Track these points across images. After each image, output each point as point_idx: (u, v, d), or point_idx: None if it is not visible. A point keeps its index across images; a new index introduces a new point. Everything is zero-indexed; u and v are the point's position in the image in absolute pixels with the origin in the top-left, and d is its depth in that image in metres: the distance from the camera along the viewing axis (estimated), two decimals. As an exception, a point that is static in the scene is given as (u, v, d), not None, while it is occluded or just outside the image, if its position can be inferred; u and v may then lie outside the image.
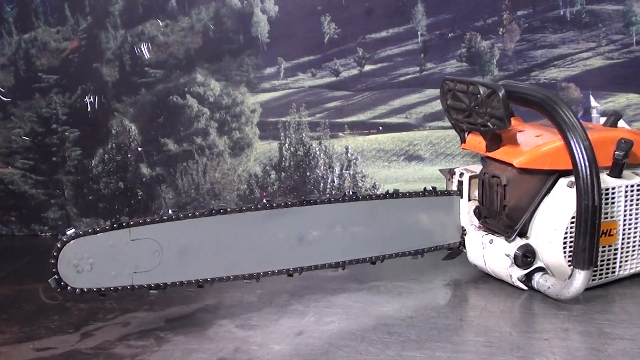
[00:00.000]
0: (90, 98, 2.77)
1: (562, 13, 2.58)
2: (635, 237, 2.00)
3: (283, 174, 2.77)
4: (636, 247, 2.01)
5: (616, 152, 1.93)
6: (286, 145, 2.75)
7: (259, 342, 1.71)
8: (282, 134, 2.75)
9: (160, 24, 2.73)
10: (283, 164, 2.76)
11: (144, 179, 2.81)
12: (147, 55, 2.74)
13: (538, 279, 1.93)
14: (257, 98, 2.74)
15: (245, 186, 2.78)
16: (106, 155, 2.81)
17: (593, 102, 2.58)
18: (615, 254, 1.98)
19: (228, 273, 1.83)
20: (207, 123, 2.76)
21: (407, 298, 1.98)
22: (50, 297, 2.05)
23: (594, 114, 2.58)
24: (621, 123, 2.11)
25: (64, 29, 2.76)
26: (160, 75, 2.75)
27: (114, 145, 2.80)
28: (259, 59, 2.72)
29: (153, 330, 1.80)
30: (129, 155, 2.80)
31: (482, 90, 1.87)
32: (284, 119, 2.74)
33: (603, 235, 1.91)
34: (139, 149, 2.79)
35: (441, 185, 2.14)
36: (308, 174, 2.76)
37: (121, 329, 1.83)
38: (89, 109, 2.78)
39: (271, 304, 1.94)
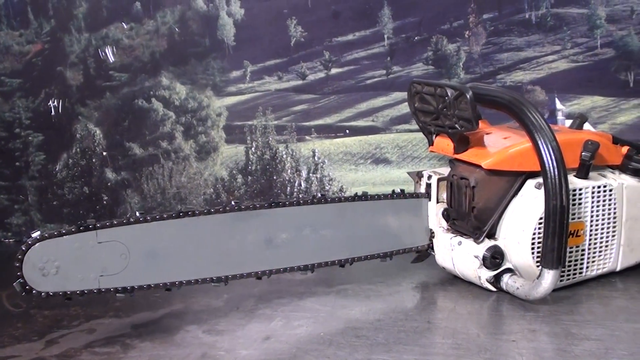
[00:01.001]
0: (54, 102, 2.76)
1: (527, 16, 2.60)
2: (601, 238, 2.02)
3: (250, 177, 2.76)
4: (603, 248, 2.03)
5: (583, 154, 1.94)
6: (253, 149, 2.75)
7: (226, 347, 1.70)
8: (248, 138, 2.75)
9: (125, 27, 2.72)
10: (250, 167, 2.76)
11: (109, 184, 2.80)
12: (111, 58, 2.73)
13: (507, 280, 1.94)
14: (223, 101, 2.74)
15: (212, 190, 2.78)
16: (70, 160, 2.80)
17: (558, 105, 2.60)
18: (582, 255, 2.00)
19: (196, 276, 1.82)
20: (172, 127, 2.75)
21: (375, 301, 1.97)
22: (14, 304, 2.03)
23: (560, 116, 2.60)
24: (587, 125, 2.13)
25: (27, 32, 2.75)
26: (125, 78, 2.74)
27: (78, 149, 2.79)
28: (225, 62, 2.72)
29: (119, 337, 1.78)
30: (93, 160, 2.79)
31: (449, 92, 1.87)
32: (250, 123, 2.74)
33: (570, 236, 1.92)
34: (104, 153, 2.78)
35: (409, 188, 2.13)
36: (275, 177, 2.75)
37: (86, 336, 1.81)
38: (52, 113, 2.77)
39: (238, 309, 1.93)
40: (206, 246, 1.83)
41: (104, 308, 1.95)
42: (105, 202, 2.80)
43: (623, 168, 2.08)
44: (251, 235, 1.88)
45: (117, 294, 1.74)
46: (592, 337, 1.69)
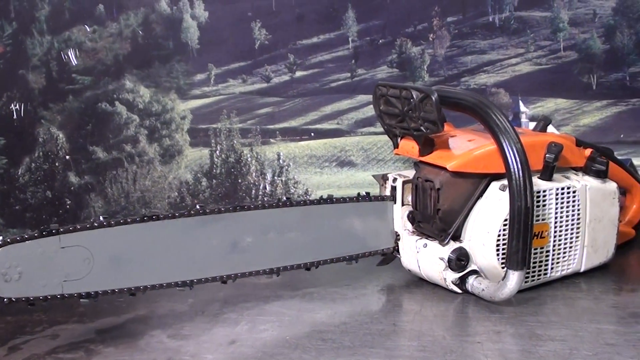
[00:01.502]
0: (16, 105, 2.74)
1: (491, 19, 2.62)
2: (566, 239, 2.02)
3: (214, 181, 2.76)
4: (567, 249, 2.03)
5: (547, 156, 1.95)
6: (217, 152, 2.74)
7: (192, 352, 1.68)
8: (213, 141, 2.75)
9: (88, 29, 2.71)
10: (214, 171, 2.75)
11: (72, 188, 2.78)
12: (74, 61, 2.72)
13: (472, 282, 1.93)
14: (187, 105, 2.74)
15: (176, 194, 2.77)
16: (33, 164, 2.78)
17: (522, 107, 2.63)
18: (547, 256, 2.00)
19: (161, 280, 1.79)
20: (136, 130, 2.74)
21: (340, 304, 1.96)
22: (-26, 311, 2.02)
23: (523, 118, 2.62)
24: (550, 128, 2.15)
25: (-12, 35, 2.74)
26: (88, 81, 2.73)
27: (41, 153, 2.77)
28: (189, 65, 2.72)
29: (83, 343, 1.75)
30: (56, 164, 2.77)
31: (415, 94, 1.86)
32: (214, 126, 2.74)
33: (535, 237, 1.92)
34: (67, 157, 2.76)
35: (374, 191, 2.12)
36: (240, 181, 2.75)
37: (50, 342, 1.77)
38: (14, 116, 2.75)
39: (204, 313, 1.90)
40: (171, 250, 1.80)
41: (68, 313, 1.91)
42: (68, 206, 2.78)
43: (586, 170, 2.09)
44: (216, 239, 1.86)
45: (81, 300, 1.71)
46: (557, 338, 1.69)
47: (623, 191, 2.32)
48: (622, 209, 2.31)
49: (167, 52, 2.71)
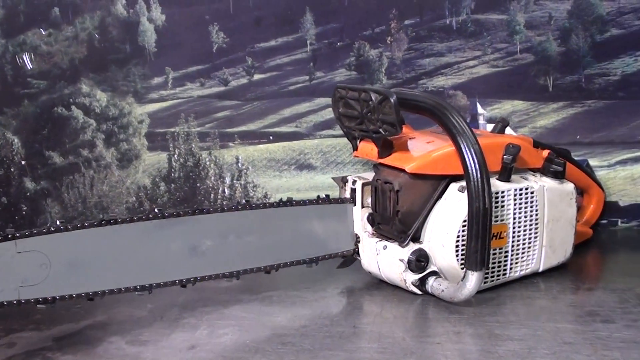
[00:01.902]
0: (-30, 110, 2.73)
1: (448, 22, 2.63)
2: (524, 239, 2.04)
3: (173, 185, 2.75)
4: (525, 250, 2.06)
5: (505, 157, 1.96)
6: (175, 156, 2.74)
7: (151, 358, 1.68)
8: (171, 145, 2.74)
9: (43, 33, 2.69)
10: (172, 175, 2.75)
11: (28, 194, 2.76)
12: (29, 65, 2.70)
13: (432, 283, 1.94)
14: (144, 108, 2.73)
15: (134, 198, 2.76)
16: (-13, 170, 2.76)
17: (480, 109, 2.64)
18: (505, 257, 2.02)
19: (119, 285, 1.78)
20: (93, 135, 2.73)
21: (300, 307, 1.97)
22: None
23: (481, 120, 2.64)
24: (508, 129, 2.16)
25: (-60, 38, 2.72)
26: (43, 86, 2.71)
27: (-5, 159, 2.75)
28: (146, 69, 2.71)
29: (40, 350, 1.73)
30: (12, 169, 2.75)
31: (373, 96, 1.88)
32: (172, 130, 2.74)
33: (494, 238, 1.94)
34: (23, 162, 2.74)
35: (334, 193, 2.14)
36: (198, 184, 2.75)
37: (6, 350, 1.75)
38: (-31, 121, 2.74)
39: (162, 318, 1.90)
40: (129, 255, 1.80)
41: (24, 320, 1.89)
42: (24, 212, 2.76)
43: (544, 171, 2.11)
44: (175, 243, 1.85)
45: (37, 305, 1.69)
46: (516, 338, 1.71)
47: (580, 191, 2.37)
48: (580, 209, 2.36)
49: (123, 55, 2.70)
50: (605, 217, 2.58)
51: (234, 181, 2.74)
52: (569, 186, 2.13)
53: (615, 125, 2.61)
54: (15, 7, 2.68)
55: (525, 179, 2.06)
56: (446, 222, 1.94)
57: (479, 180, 1.79)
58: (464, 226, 1.88)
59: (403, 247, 1.96)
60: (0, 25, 2.69)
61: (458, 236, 1.91)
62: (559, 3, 2.58)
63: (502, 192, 1.97)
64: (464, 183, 1.85)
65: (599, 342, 1.68)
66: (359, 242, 2.10)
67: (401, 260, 1.95)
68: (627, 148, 2.61)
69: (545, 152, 2.12)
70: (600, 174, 2.59)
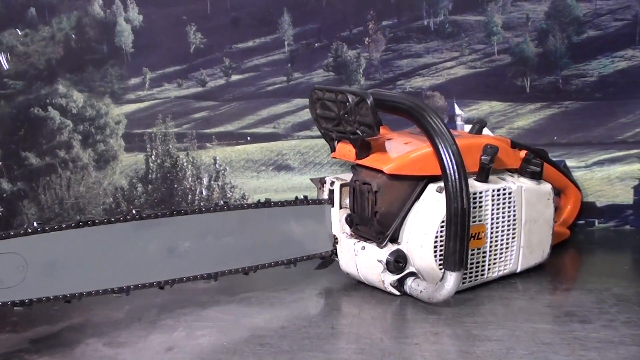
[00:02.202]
0: (-55, 111, 2.72)
1: (426, 23, 2.64)
2: (502, 240, 2.05)
3: (150, 186, 2.74)
4: (503, 250, 2.07)
5: (483, 157, 1.97)
6: (153, 157, 2.73)
7: (128, 359, 1.67)
8: (148, 146, 2.73)
9: (20, 33, 2.67)
10: (150, 176, 2.74)
11: (4, 195, 2.74)
12: (5, 65, 2.68)
13: (410, 284, 1.95)
14: (122, 109, 2.72)
15: (111, 200, 2.75)
16: (-37, 171, 2.75)
17: (457, 110, 2.65)
18: (484, 257, 2.03)
19: (97, 287, 1.77)
20: (70, 135, 2.71)
21: (278, 308, 1.97)
22: None
23: (459, 121, 2.64)
24: (486, 130, 2.16)
25: None
26: (20, 86, 2.70)
27: (-29, 160, 2.73)
28: (123, 69, 2.70)
29: (17, 352, 1.72)
30: (-13, 170, 2.74)
31: (351, 98, 1.88)
32: (150, 130, 2.73)
33: (472, 238, 1.95)
34: None
35: (312, 194, 2.14)
36: (176, 185, 2.74)
37: None
38: (-56, 122, 2.72)
39: (140, 320, 1.89)
40: (107, 256, 1.79)
41: (1, 323, 1.89)
42: (0, 213, 2.74)
43: (521, 171, 2.12)
44: (153, 244, 1.85)
45: (14, 308, 1.68)
46: (493, 338, 1.72)
47: (558, 192, 2.37)
48: (557, 209, 2.36)
49: (100, 56, 2.69)
50: (583, 217, 2.60)
51: (212, 182, 2.73)
52: (547, 187, 2.14)
53: (592, 126, 2.62)
54: None
55: (503, 179, 2.07)
56: (424, 222, 1.94)
57: (457, 181, 1.79)
58: (442, 227, 1.89)
59: (381, 248, 1.97)
60: (-24, 25, 2.67)
61: (436, 237, 1.91)
62: (536, 4, 2.60)
63: (480, 192, 1.98)
64: (442, 184, 1.86)
65: (576, 342, 1.69)
66: (337, 243, 2.10)
67: (379, 261, 1.95)
68: (604, 149, 2.62)
69: (523, 153, 2.14)
70: (577, 174, 2.60)
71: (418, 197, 1.98)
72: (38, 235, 1.70)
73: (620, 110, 2.60)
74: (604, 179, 2.63)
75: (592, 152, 2.63)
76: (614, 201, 2.64)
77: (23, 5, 2.66)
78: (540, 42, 2.60)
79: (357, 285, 2.10)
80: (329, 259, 2.14)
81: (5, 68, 2.67)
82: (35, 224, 1.71)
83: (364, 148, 1.98)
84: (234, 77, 2.71)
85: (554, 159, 2.38)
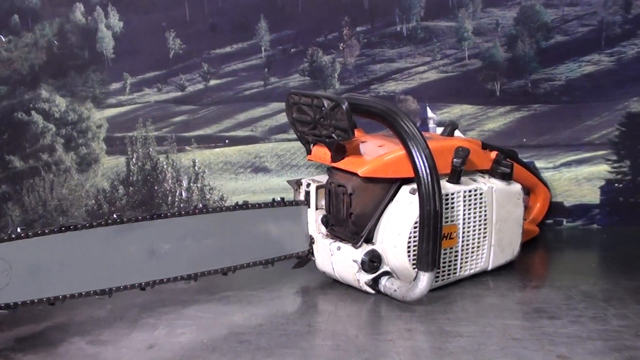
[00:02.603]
0: None
1: (398, 29, 2.63)
2: (474, 239, 2.05)
3: (131, 188, 2.72)
4: (475, 249, 2.06)
5: (454, 160, 1.97)
6: (133, 159, 2.71)
7: (111, 357, 1.66)
8: (129, 149, 2.71)
9: (3, 39, 2.65)
10: (131, 178, 2.72)
11: None
12: None
13: (384, 283, 1.94)
14: (103, 113, 2.70)
15: (94, 202, 2.73)
16: (-52, 174, 2.72)
17: (429, 113, 2.64)
18: (456, 256, 2.02)
19: (80, 289, 1.76)
20: (53, 139, 2.69)
21: (256, 307, 1.95)
22: None
23: (431, 124, 2.63)
24: (457, 133, 2.16)
25: None
26: (3, 91, 2.67)
27: (-43, 163, 2.70)
28: (104, 75, 2.68)
29: (3, 352, 1.71)
30: (-28, 174, 2.71)
31: (326, 103, 1.87)
32: (130, 134, 2.71)
33: (444, 238, 1.94)
34: None
35: (289, 196, 2.13)
36: (156, 187, 2.72)
37: None
38: None
39: (122, 319, 1.88)
40: (89, 259, 1.77)
41: None
42: None
43: (492, 172, 2.12)
44: (134, 246, 1.84)
45: (0, 310, 1.67)
46: (465, 334, 1.72)
47: (527, 191, 2.37)
48: (527, 208, 2.36)
49: (82, 61, 2.67)
50: (551, 216, 2.60)
51: (191, 184, 2.72)
52: (516, 187, 2.14)
53: (560, 128, 2.62)
54: None
55: (474, 180, 2.06)
56: (398, 223, 1.93)
57: (430, 182, 1.79)
58: (415, 227, 1.88)
59: (356, 248, 1.96)
60: (-40, 32, 2.65)
61: (410, 237, 1.91)
62: (506, 10, 2.59)
63: (452, 194, 1.97)
64: (415, 185, 1.85)
65: (545, 337, 1.69)
66: (313, 243, 2.09)
67: (355, 260, 1.95)
68: (572, 150, 2.63)
69: (494, 154, 2.13)
70: (546, 175, 2.60)
71: (392, 199, 1.97)
72: (22, 240, 1.69)
73: (587, 113, 2.61)
74: (571, 179, 2.63)
75: (560, 154, 2.63)
76: (582, 201, 2.64)
77: (7, 12, 2.64)
78: (510, 47, 2.60)
79: (333, 284, 2.10)
80: (305, 259, 2.13)
81: None
82: (19, 230, 1.69)
83: (339, 151, 1.98)
84: (213, 82, 2.69)
85: (523, 160, 2.39)
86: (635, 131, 2.60)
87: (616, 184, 2.63)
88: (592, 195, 2.64)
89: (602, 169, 2.62)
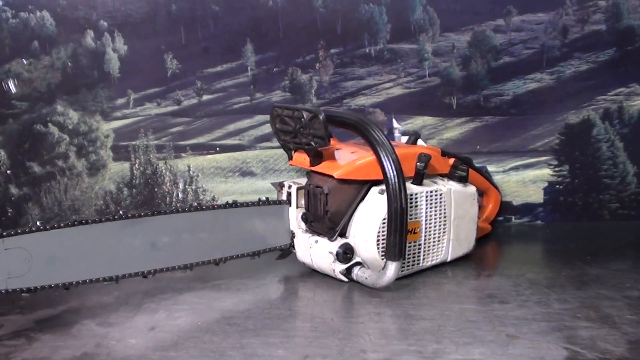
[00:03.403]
0: (-38, 128, 2.63)
1: (367, 51, 2.61)
2: (434, 234, 2.04)
3: (134, 190, 2.68)
4: (435, 243, 2.05)
5: (418, 164, 1.96)
6: (136, 165, 2.67)
7: (117, 337, 1.65)
8: (132, 156, 2.67)
9: (25, 62, 2.61)
10: (134, 181, 2.68)
11: (12, 198, 2.67)
12: (13, 89, 2.62)
13: (357, 272, 1.93)
14: (110, 125, 2.65)
15: (102, 202, 2.68)
16: (-22, 178, 2.67)
17: (395, 124, 2.62)
18: (419, 249, 2.01)
19: (91, 276, 1.75)
20: (67, 148, 2.65)
21: (244, 293, 1.93)
22: None
23: (396, 133, 2.61)
24: (420, 141, 2.15)
25: (-62, 68, 2.62)
26: (25, 107, 2.63)
27: (-15, 169, 2.65)
28: (111, 91, 2.64)
29: (24, 331, 1.70)
30: (-2, 178, 2.66)
31: (305, 114, 1.86)
32: (134, 143, 2.66)
33: (409, 233, 1.93)
34: (8, 171, 2.65)
35: (272, 196, 2.11)
36: (156, 189, 2.68)
37: None
38: (-38, 138, 2.63)
39: (127, 304, 1.86)
40: (99, 250, 1.77)
41: (10, 306, 1.85)
42: (9, 214, 2.67)
43: (450, 176, 2.11)
44: (137, 239, 1.83)
45: (22, 294, 1.68)
46: (427, 317, 1.71)
47: (481, 193, 2.37)
48: (481, 208, 2.36)
49: (92, 80, 2.63)
50: (502, 214, 2.60)
51: (187, 186, 2.69)
52: (472, 189, 2.14)
53: (508, 137, 2.63)
54: (2, 41, 2.59)
55: (435, 183, 2.06)
56: (368, 220, 1.92)
57: (397, 184, 1.79)
58: (383, 223, 1.87)
59: (332, 241, 1.96)
60: (-12, 56, 2.59)
61: (379, 232, 1.90)
62: (460, 35, 2.59)
63: (416, 194, 1.97)
64: (383, 187, 1.85)
65: (496, 319, 1.70)
66: (294, 237, 2.08)
67: (330, 252, 1.94)
68: (519, 156, 2.63)
69: (451, 160, 2.13)
70: (496, 178, 2.60)
71: (363, 198, 1.96)
72: (41, 232, 1.70)
73: (532, 124, 2.62)
74: (519, 181, 2.64)
75: (508, 159, 2.64)
76: (527, 200, 2.65)
77: (28, 39, 2.61)
78: (464, 66, 2.59)
79: (312, 273, 2.09)
80: (287, 251, 2.12)
81: (13, 92, 2.61)
82: (38, 223, 1.70)
83: (316, 157, 1.97)
84: (205, 97, 2.66)
85: (477, 165, 2.40)
86: (573, 140, 2.61)
87: (557, 186, 2.64)
88: (536, 196, 2.65)
89: (545, 173, 2.64)
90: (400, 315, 1.74)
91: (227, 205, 1.97)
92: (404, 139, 2.18)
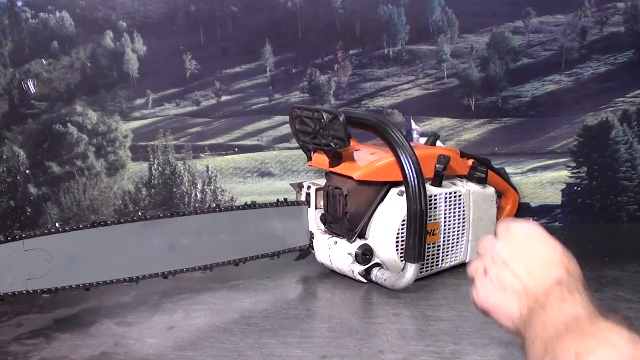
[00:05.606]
0: (-18, 128, 2.64)
1: (386, 52, 2.60)
2: (453, 235, 2.03)
3: (153, 190, 2.68)
4: (454, 244, 2.04)
5: (437, 166, 1.96)
6: (155, 165, 2.67)
7: (135, 336, 1.65)
8: (151, 156, 2.67)
9: (44, 62, 2.61)
10: (152, 181, 2.68)
11: (31, 198, 2.67)
12: (33, 89, 2.62)
13: (376, 273, 1.92)
14: (129, 125, 2.66)
15: (120, 202, 2.69)
16: (-2, 178, 2.67)
17: (413, 125, 2.62)
18: (438, 250, 2.00)
19: (111, 277, 1.75)
20: (85, 147, 2.65)
21: (263, 293, 1.93)
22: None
23: (415, 134, 2.61)
24: (438, 142, 2.15)
25: (-40, 67, 2.62)
26: (44, 107, 2.64)
27: (5, 168, 2.65)
28: (130, 92, 2.64)
29: (43, 330, 1.70)
30: (18, 177, 2.66)
31: (325, 115, 1.85)
32: (152, 143, 2.67)
33: (428, 234, 1.92)
34: (27, 171, 2.66)
35: (291, 197, 2.10)
36: (174, 190, 2.68)
37: (15, 330, 1.72)
38: (-18, 138, 2.65)
39: (145, 303, 1.86)
40: (118, 251, 1.77)
41: (30, 306, 1.86)
42: (28, 213, 2.67)
43: (469, 177, 2.10)
44: (156, 240, 1.82)
45: (42, 294, 1.68)
46: (445, 318, 1.70)
47: (499, 194, 2.34)
48: (499, 209, 2.33)
49: (111, 80, 2.63)
50: (520, 216, 2.54)
51: (205, 187, 2.69)
52: (490, 190, 2.13)
53: (526, 139, 2.62)
54: (22, 42, 2.60)
55: (454, 184, 2.05)
56: (388, 221, 1.92)
57: (416, 185, 1.79)
58: (402, 225, 1.87)
59: (351, 242, 1.95)
60: (9, 56, 2.61)
61: (398, 233, 1.89)
62: (479, 36, 2.58)
63: (435, 195, 1.96)
64: (402, 188, 1.85)
65: None
66: (313, 238, 2.08)
67: (349, 253, 1.94)
68: (537, 158, 2.62)
69: (470, 162, 2.12)
70: (514, 179, 2.58)
71: (382, 200, 1.96)
72: (60, 234, 1.70)
73: (550, 125, 2.61)
74: (537, 183, 2.64)
75: (527, 161, 2.63)
76: (545, 202, 2.64)
77: (47, 39, 2.61)
78: (483, 68, 2.59)
79: (330, 274, 2.08)
80: (306, 252, 2.12)
81: (33, 92, 2.62)
82: (57, 225, 1.70)
83: (336, 158, 1.96)
84: (224, 98, 2.66)
85: (495, 167, 2.37)
86: (591, 141, 2.60)
87: (575, 187, 2.63)
88: (554, 197, 2.64)
89: (563, 174, 2.63)
90: (418, 316, 1.73)
91: (246, 206, 1.97)
92: (423, 140, 2.18)
